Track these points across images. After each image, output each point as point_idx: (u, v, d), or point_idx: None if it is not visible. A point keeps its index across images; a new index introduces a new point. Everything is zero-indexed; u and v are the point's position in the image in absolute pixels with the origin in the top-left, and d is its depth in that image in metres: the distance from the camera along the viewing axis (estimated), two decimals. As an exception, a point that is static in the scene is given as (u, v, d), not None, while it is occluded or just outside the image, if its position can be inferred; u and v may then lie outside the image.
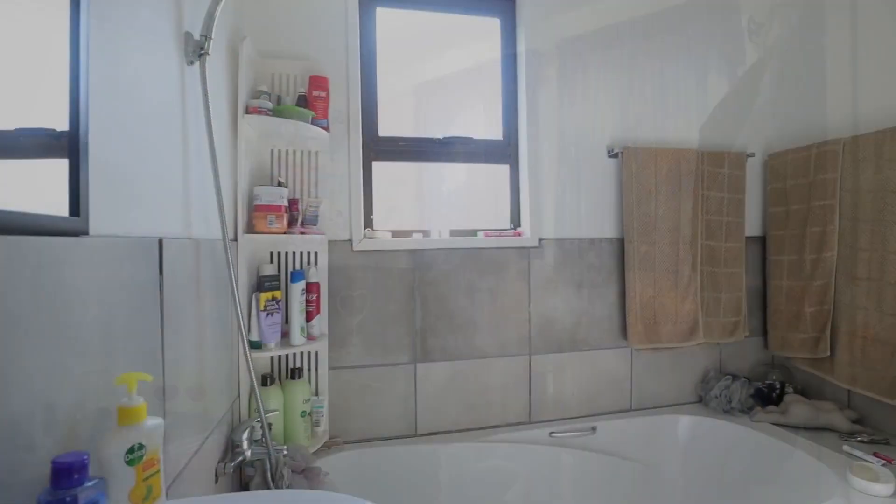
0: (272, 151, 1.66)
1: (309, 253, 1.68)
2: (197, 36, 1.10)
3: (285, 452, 1.31)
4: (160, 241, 0.88)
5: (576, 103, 1.93)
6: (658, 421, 1.95)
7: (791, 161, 1.99)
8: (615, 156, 1.95)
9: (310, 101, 1.62)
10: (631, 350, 2.00)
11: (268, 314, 1.46)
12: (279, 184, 1.56)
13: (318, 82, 1.63)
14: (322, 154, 1.68)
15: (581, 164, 1.94)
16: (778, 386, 1.99)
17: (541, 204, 1.90)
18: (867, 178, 1.71)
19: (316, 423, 1.65)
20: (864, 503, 1.32)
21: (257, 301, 1.45)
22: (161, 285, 0.88)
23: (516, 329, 1.87)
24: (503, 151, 1.97)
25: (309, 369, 1.68)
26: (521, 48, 1.92)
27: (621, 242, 1.96)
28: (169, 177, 0.98)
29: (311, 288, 1.61)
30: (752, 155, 2.08)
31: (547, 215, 1.90)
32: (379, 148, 1.87)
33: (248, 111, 1.46)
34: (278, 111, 1.50)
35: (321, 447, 1.63)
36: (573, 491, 1.82)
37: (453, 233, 1.90)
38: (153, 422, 0.64)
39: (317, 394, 1.69)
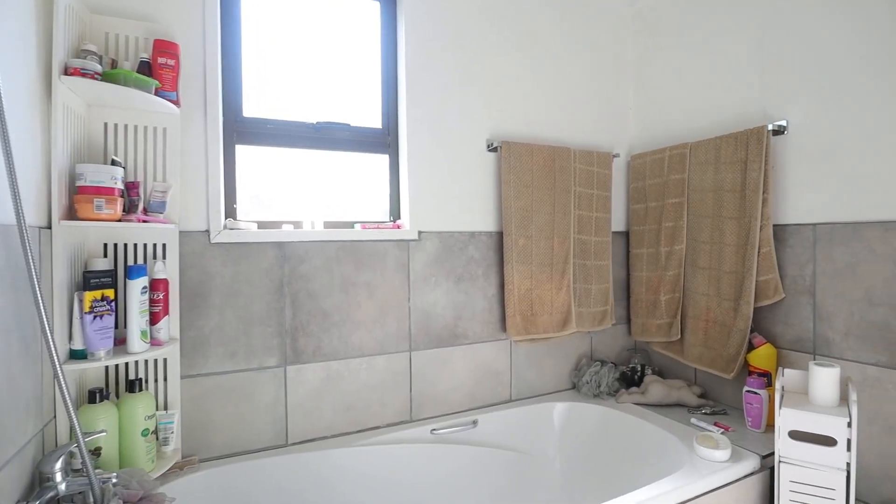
0: (106, 125, 1.40)
1: (155, 245, 1.45)
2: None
3: (115, 481, 1.10)
4: None
5: (456, 95, 1.92)
6: (535, 410, 2.00)
7: (649, 162, 2.17)
8: (494, 150, 1.97)
9: (154, 69, 1.40)
10: (510, 342, 2.03)
11: (95, 317, 1.22)
12: (113, 162, 1.32)
13: (165, 48, 1.42)
14: (172, 132, 1.46)
15: (461, 157, 1.93)
16: (639, 369, 2.15)
17: (421, 196, 1.85)
18: (708, 178, 1.91)
19: (164, 442, 1.43)
20: (707, 469, 1.44)
21: (81, 302, 1.21)
22: None
23: (396, 325, 1.80)
24: (382, 141, 1.89)
25: (156, 380, 1.45)
26: (402, 35, 1.85)
27: (500, 236, 1.99)
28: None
29: (156, 286, 1.39)
30: (618, 155, 2.24)
31: (427, 208, 1.86)
32: (243, 130, 1.68)
33: (66, 72, 1.21)
34: (109, 75, 1.27)
35: (171, 469, 1.42)
36: (456, 486, 1.79)
37: (328, 224, 1.78)
38: None
39: (165, 408, 1.46)
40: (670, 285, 2.05)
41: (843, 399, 1.40)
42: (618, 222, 2.30)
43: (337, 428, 1.72)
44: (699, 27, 2.02)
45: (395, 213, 1.90)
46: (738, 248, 1.79)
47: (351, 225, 1.81)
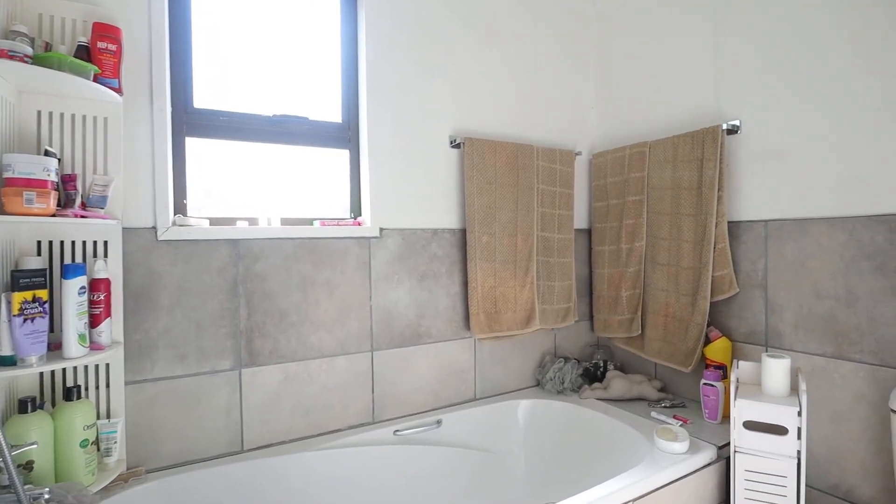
0: (40, 113, 1.30)
1: (96, 243, 1.36)
2: None
3: (47, 496, 1.02)
4: None
5: (419, 90, 1.89)
6: (500, 408, 1.99)
7: (610, 161, 2.20)
8: (457, 146, 1.95)
9: (94, 54, 1.31)
10: (474, 340, 2.01)
11: (26, 320, 1.12)
12: (46, 153, 1.23)
13: (105, 32, 1.33)
14: (114, 122, 1.37)
15: (424, 153, 1.90)
16: (602, 364, 2.18)
17: (382, 192, 1.81)
18: (667, 176, 1.95)
19: (106, 453, 1.34)
20: (666, 461, 1.46)
21: (9, 304, 1.11)
22: None
23: (357, 324, 1.76)
24: (342, 136, 1.84)
25: (97, 387, 1.36)
26: (363, 26, 1.81)
27: (464, 233, 1.97)
28: None
29: (97, 286, 1.30)
30: (580, 153, 2.26)
31: (389, 204, 1.82)
32: (194, 122, 1.60)
33: (-8, 54, 1.11)
34: (42, 59, 1.17)
35: (114, 482, 1.33)
36: (421, 488, 1.76)
37: (285, 221, 1.71)
38: None
39: (108, 416, 1.37)
40: (631, 282, 2.08)
41: (794, 389, 1.45)
42: (580, 220, 2.32)
43: (296, 432, 1.66)
44: (658, 28, 2.06)
45: (356, 209, 1.85)
46: (695, 244, 1.83)
47: (310, 222, 1.75)
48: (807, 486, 1.54)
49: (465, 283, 1.97)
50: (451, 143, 1.94)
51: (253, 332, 1.58)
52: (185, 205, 1.58)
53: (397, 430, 1.76)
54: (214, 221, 1.60)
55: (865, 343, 1.45)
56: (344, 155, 1.85)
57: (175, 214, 1.53)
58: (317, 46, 1.83)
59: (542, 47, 2.20)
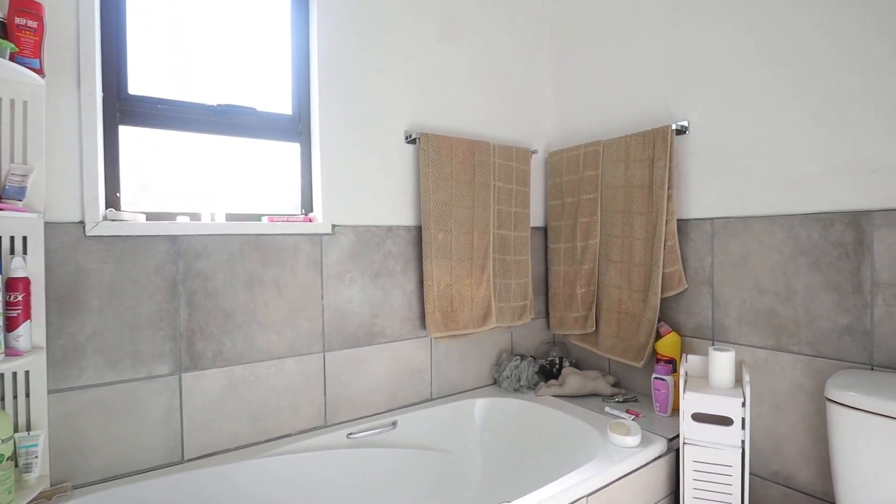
0: (-54, 95, 1.17)
1: (13, 238, 1.24)
2: None
3: (-51, 520, 0.91)
4: None
5: (374, 83, 1.84)
6: (456, 407, 1.97)
7: (566, 159, 2.22)
8: (413, 141, 1.91)
9: (10, 31, 1.19)
10: (430, 339, 1.98)
11: (-74, 323, 1.01)
12: (-48, 139, 1.11)
13: (24, 7, 1.21)
14: (34, 106, 1.25)
15: (378, 148, 1.85)
16: (557, 361, 2.19)
17: (335, 188, 1.75)
18: (619, 175, 1.98)
19: (26, 469, 1.22)
20: (619, 455, 1.48)
21: None
22: None
23: (308, 324, 1.69)
24: (293, 128, 1.76)
25: (14, 396, 1.24)
26: (314, 15, 1.74)
27: (419, 230, 1.93)
28: None
29: (13, 285, 1.18)
30: (536, 151, 2.27)
31: (341, 200, 1.76)
32: (129, 109, 1.49)
33: None
34: (-55, 33, 1.06)
35: (35, 499, 1.22)
36: (376, 491, 1.71)
37: (230, 217, 1.63)
38: None
39: (28, 428, 1.25)
40: (586, 279, 2.10)
41: (738, 381, 1.50)
42: (537, 218, 2.33)
43: (242, 439, 1.58)
44: (612, 29, 2.09)
45: (308, 205, 1.78)
46: (647, 241, 1.87)
47: (257, 218, 1.67)
48: (751, 474, 1.60)
49: (421, 282, 1.94)
50: (407, 138, 1.90)
51: (194, 334, 1.49)
52: (119, 198, 1.47)
53: (351, 434, 1.71)
54: (152, 216, 1.50)
55: (803, 335, 1.51)
56: (295, 149, 1.77)
57: (106, 208, 1.42)
58: (266, 34, 1.75)
59: (500, 45, 2.19)
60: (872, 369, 1.37)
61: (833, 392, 1.24)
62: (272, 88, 1.75)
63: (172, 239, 1.46)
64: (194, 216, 1.56)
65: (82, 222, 1.34)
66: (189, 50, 1.62)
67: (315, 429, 1.71)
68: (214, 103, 1.62)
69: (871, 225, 1.37)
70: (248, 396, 1.58)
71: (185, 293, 1.48)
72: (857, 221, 1.40)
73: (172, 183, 1.59)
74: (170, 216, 1.53)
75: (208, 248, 1.51)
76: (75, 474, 1.33)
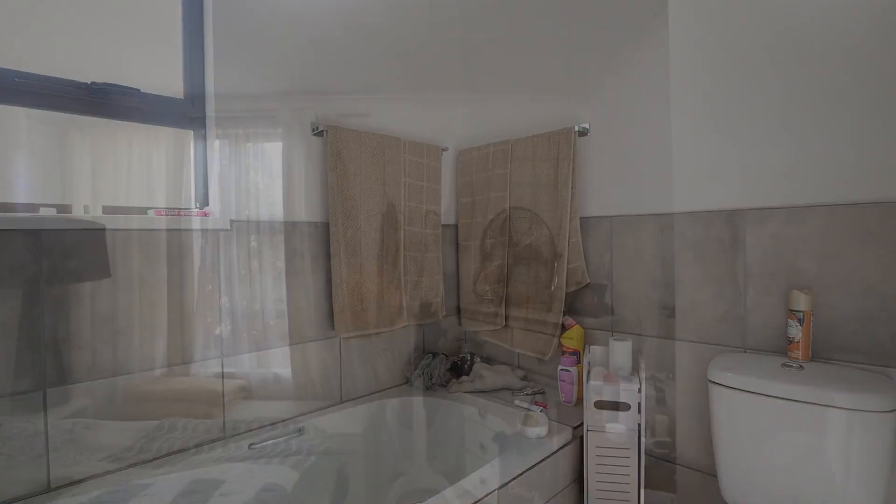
0: None
1: None
2: None
3: None
4: None
5: (272, 69, 1.73)
6: (367, 409, 1.92)
7: (475, 157, 2.25)
8: (320, 133, 1.83)
9: None
10: (339, 339, 1.91)
11: None
12: None
13: None
14: None
15: (283, 140, 1.75)
16: (469, 358, 2.21)
17: (234, 180, 1.63)
18: (527, 173, 2.04)
19: None
20: (528, 446, 1.52)
21: None
22: None
23: (204, 328, 1.55)
24: (185, 113, 1.61)
25: None
26: (208, -7, 1.60)
27: (327, 227, 1.85)
28: None
29: None
30: (447, 149, 2.28)
31: (242, 194, 1.64)
32: (-25, 82, 1.27)
33: None
34: None
35: None
36: (279, 501, 1.61)
37: (108, 210, 1.45)
38: None
39: None
40: (495, 276, 2.15)
41: (635, 369, 1.60)
42: (448, 215, 2.34)
43: (127, 458, 1.41)
44: (519, 31, 2.14)
45: (203, 199, 1.64)
46: (552, 239, 1.95)
47: (143, 211, 1.50)
48: (646, 454, 1.72)
49: (329, 280, 1.86)
50: (314, 130, 1.82)
51: (64, 343, 1.30)
52: (-38, 186, 1.25)
53: (252, 444, 1.59)
54: (7, 208, 1.29)
55: (689, 324, 1.65)
56: (187, 136, 1.62)
57: (-56, 198, 1.20)
58: (154, 10, 1.58)
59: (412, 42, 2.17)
60: (745, 352, 1.53)
61: (714, 374, 1.36)
62: (161, 68, 1.58)
63: (34, 234, 1.26)
64: (63, 208, 1.37)
65: None
66: (55, 15, 1.41)
67: (214, 440, 1.57)
68: (89, 80, 1.43)
69: (744, 222, 1.53)
70: (133, 411, 1.41)
71: (50, 296, 1.28)
72: (732, 219, 1.55)
73: (34, 169, 1.38)
74: (31, 207, 1.32)
75: (81, 245, 1.33)
76: None
